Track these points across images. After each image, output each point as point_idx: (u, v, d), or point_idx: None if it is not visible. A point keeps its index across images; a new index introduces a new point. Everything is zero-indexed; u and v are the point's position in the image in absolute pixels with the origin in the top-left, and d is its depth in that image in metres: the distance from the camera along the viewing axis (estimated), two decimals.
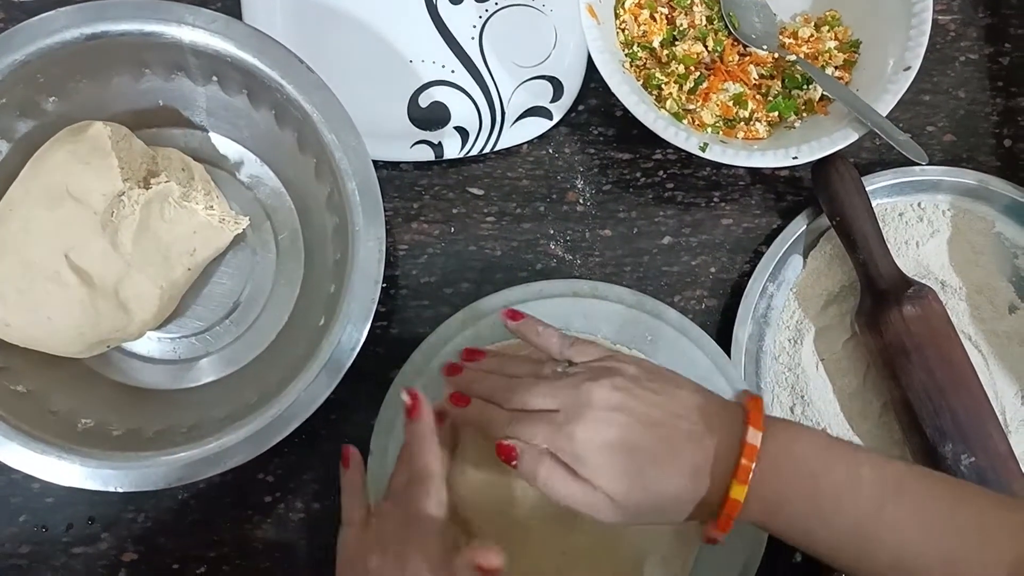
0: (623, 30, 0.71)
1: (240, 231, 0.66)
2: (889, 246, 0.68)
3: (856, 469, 0.49)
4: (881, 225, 0.69)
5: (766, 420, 0.50)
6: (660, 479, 0.49)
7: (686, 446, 0.50)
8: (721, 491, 0.49)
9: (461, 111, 0.72)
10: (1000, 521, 0.48)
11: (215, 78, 0.64)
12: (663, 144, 0.67)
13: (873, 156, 0.74)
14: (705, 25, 0.71)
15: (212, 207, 0.64)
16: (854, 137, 0.65)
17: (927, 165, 0.68)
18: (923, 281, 0.69)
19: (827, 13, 0.72)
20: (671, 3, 0.72)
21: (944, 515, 0.48)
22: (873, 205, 0.68)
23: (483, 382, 0.57)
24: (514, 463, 0.52)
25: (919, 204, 0.72)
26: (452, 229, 0.72)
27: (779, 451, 0.49)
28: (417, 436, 0.55)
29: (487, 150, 0.70)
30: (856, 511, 0.48)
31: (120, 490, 0.58)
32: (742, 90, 0.70)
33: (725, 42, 0.71)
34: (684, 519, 0.51)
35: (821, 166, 0.68)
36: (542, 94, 0.71)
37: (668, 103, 0.69)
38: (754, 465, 0.48)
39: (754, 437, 0.49)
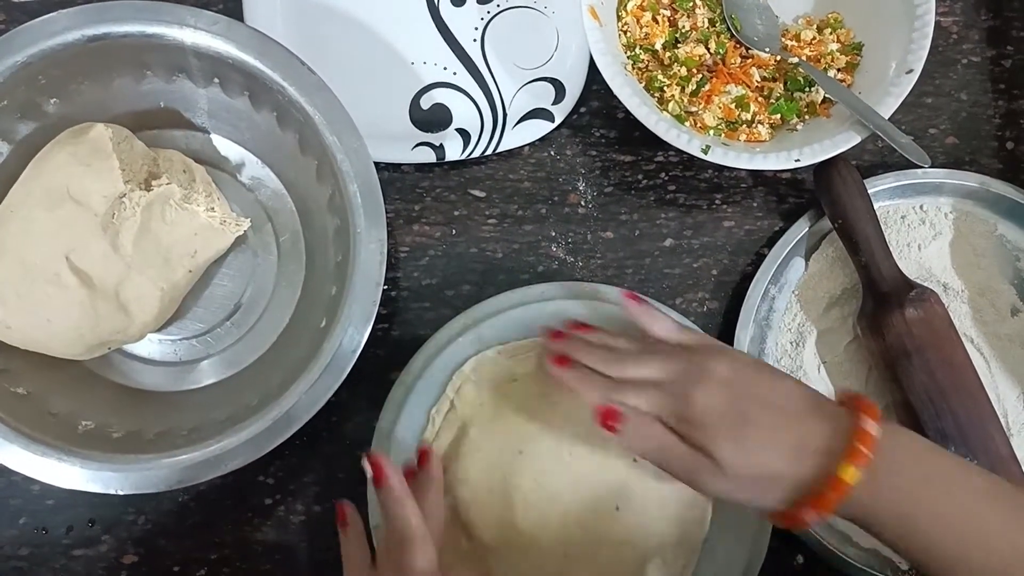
0: (625, 32, 0.71)
1: (241, 233, 0.66)
2: (891, 248, 0.68)
3: (966, 469, 0.50)
4: (883, 228, 0.69)
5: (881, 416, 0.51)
6: (767, 453, 0.51)
7: (794, 425, 0.51)
8: (825, 474, 0.49)
9: (463, 113, 0.71)
10: None
11: (217, 80, 0.64)
12: (665, 146, 0.66)
13: (875, 158, 0.74)
14: (707, 27, 0.71)
15: (213, 209, 0.64)
16: (856, 140, 0.65)
17: (929, 168, 0.68)
18: (925, 284, 0.69)
19: (829, 15, 0.72)
20: (673, 5, 0.71)
21: None
22: (875, 208, 0.68)
23: (590, 351, 0.58)
24: (617, 426, 0.54)
25: (921, 207, 0.72)
26: (453, 231, 0.72)
27: (895, 446, 0.50)
28: (390, 500, 0.55)
29: (489, 152, 0.70)
30: (969, 515, 0.49)
31: (120, 492, 0.58)
32: (744, 92, 0.70)
33: (727, 44, 0.71)
34: (775, 502, 0.51)
35: (823, 169, 0.68)
36: (544, 96, 0.71)
37: (670, 105, 0.69)
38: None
39: (872, 427, 0.49)
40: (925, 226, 0.71)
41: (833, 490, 0.49)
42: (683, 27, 0.71)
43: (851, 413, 0.51)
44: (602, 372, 0.57)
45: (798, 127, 0.70)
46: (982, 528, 0.48)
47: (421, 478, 0.60)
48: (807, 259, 0.71)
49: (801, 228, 0.71)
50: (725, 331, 0.71)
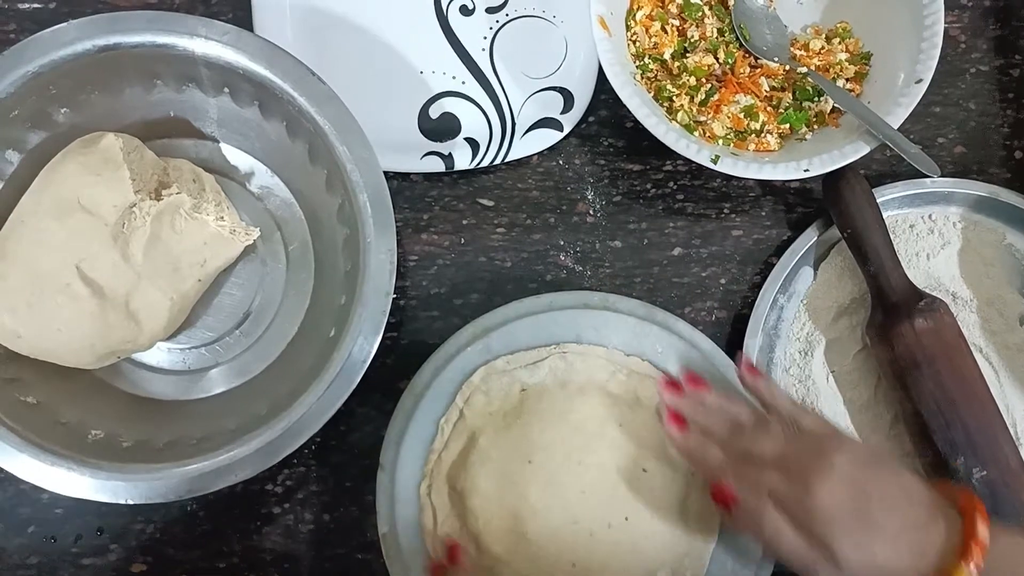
0: (634, 42, 0.71)
1: (250, 242, 0.66)
2: (900, 258, 0.68)
3: None
4: (892, 237, 0.69)
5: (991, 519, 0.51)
6: (888, 554, 0.50)
7: (915, 527, 0.51)
8: (937, 572, 0.50)
9: (471, 122, 0.72)
10: None
11: (227, 90, 0.64)
12: (673, 155, 0.67)
13: (884, 168, 0.74)
14: (716, 37, 0.71)
15: (223, 218, 0.64)
16: (865, 150, 0.65)
17: (938, 177, 0.68)
18: (934, 293, 0.69)
19: (838, 25, 0.72)
20: (682, 15, 0.71)
21: None
22: (884, 217, 0.68)
23: (707, 415, 0.59)
24: (732, 506, 0.54)
25: (930, 216, 0.72)
26: (462, 240, 0.72)
27: (1005, 547, 0.50)
28: None
29: (497, 161, 0.70)
30: None
31: (130, 502, 0.58)
32: (753, 102, 0.70)
33: (736, 54, 0.71)
34: None
35: (832, 179, 0.68)
36: (552, 105, 0.71)
37: (679, 115, 0.69)
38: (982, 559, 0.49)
39: (983, 531, 0.50)
40: (934, 235, 0.71)
41: None
42: (692, 37, 0.71)
43: (963, 514, 0.51)
44: (718, 438, 0.57)
45: (807, 137, 0.70)
46: None
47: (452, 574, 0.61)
48: (816, 268, 0.71)
49: (810, 237, 0.71)
50: (734, 340, 0.71)
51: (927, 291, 0.68)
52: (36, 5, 0.73)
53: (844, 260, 0.71)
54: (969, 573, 0.49)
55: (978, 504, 0.51)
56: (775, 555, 0.54)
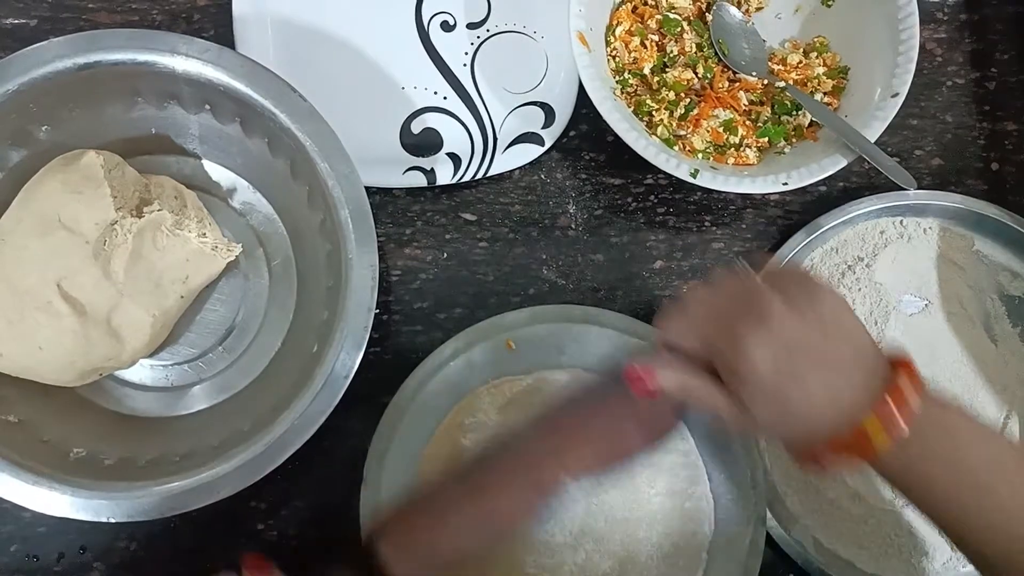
0: (614, 57, 0.72)
1: (233, 258, 0.66)
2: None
3: (990, 443, 0.50)
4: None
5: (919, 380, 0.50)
6: (805, 411, 0.50)
7: (840, 382, 0.50)
8: (858, 429, 0.49)
9: (453, 137, 0.72)
10: None
11: (208, 107, 0.64)
12: (654, 169, 0.67)
13: (862, 180, 0.75)
14: (695, 52, 0.72)
15: (205, 234, 0.64)
16: (843, 163, 0.66)
17: (915, 190, 0.68)
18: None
19: (816, 39, 0.73)
20: (661, 30, 0.72)
21: None
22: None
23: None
24: (651, 388, 0.52)
25: (900, 222, 0.72)
26: (445, 254, 0.72)
27: (930, 411, 0.49)
28: None
29: (479, 176, 0.71)
30: (986, 483, 0.48)
31: (112, 520, 0.57)
32: (732, 116, 0.70)
33: (715, 69, 0.71)
34: (801, 448, 0.51)
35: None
36: (534, 120, 0.72)
37: (659, 129, 0.69)
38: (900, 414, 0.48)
39: (907, 387, 0.49)
40: (903, 240, 0.72)
41: (856, 439, 0.48)
42: (671, 52, 0.72)
43: (895, 374, 0.50)
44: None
45: (786, 150, 0.70)
46: (1002, 495, 0.48)
47: None
48: None
49: (790, 249, 0.71)
50: None
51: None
52: (17, 21, 0.73)
53: (827, 271, 0.71)
54: (877, 428, 0.48)
55: (912, 367, 0.51)
56: (702, 410, 0.53)
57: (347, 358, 0.59)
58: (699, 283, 0.55)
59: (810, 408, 0.50)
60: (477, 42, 0.73)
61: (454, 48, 0.73)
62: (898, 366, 0.50)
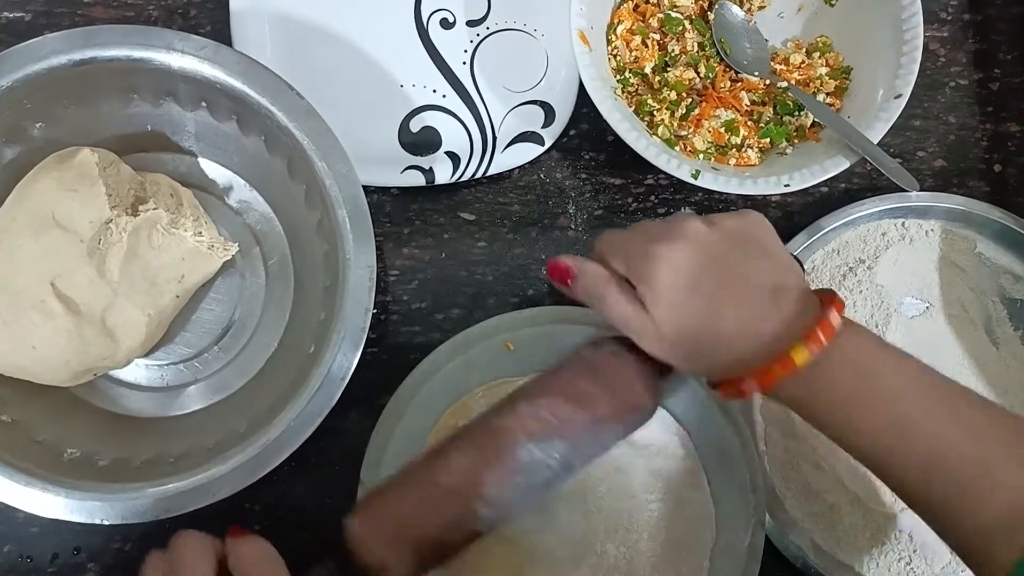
0: (615, 56, 0.71)
1: (229, 257, 0.65)
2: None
3: (907, 367, 0.49)
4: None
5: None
6: (712, 326, 0.49)
7: (751, 305, 0.49)
8: (771, 356, 0.48)
9: (452, 136, 0.71)
10: None
11: (204, 104, 0.63)
12: (654, 169, 0.67)
13: (864, 182, 0.74)
14: (697, 51, 0.71)
15: (201, 233, 0.64)
16: (845, 164, 0.65)
17: (917, 191, 0.68)
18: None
19: (818, 39, 0.73)
20: (663, 29, 0.72)
21: (985, 420, 0.48)
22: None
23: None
24: (569, 280, 0.53)
25: (902, 224, 0.72)
26: (443, 254, 0.72)
27: (849, 338, 0.49)
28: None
29: (478, 175, 0.70)
30: (900, 403, 0.48)
31: (106, 523, 0.57)
32: (734, 117, 0.70)
33: (717, 68, 0.71)
34: (708, 373, 0.51)
35: None
36: (533, 119, 0.71)
37: (660, 129, 0.69)
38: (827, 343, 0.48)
39: (835, 319, 0.49)
40: (905, 242, 0.72)
41: (781, 367, 0.48)
42: (673, 51, 0.71)
43: (820, 303, 0.50)
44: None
45: (787, 151, 0.70)
46: (909, 419, 0.48)
47: None
48: None
49: (791, 250, 0.70)
50: None
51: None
52: (12, 15, 0.72)
53: (829, 273, 0.71)
54: (806, 357, 0.47)
55: (838, 301, 0.50)
56: (609, 317, 0.52)
57: (344, 359, 0.58)
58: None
59: (718, 330, 0.49)
60: (477, 40, 0.73)
61: (453, 46, 0.73)
62: (828, 301, 0.50)
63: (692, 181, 0.65)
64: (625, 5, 0.72)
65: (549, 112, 0.71)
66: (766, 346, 0.49)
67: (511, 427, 0.51)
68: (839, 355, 0.48)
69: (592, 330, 0.66)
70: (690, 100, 0.70)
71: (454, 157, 0.70)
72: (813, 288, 0.53)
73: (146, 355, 0.66)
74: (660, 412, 0.66)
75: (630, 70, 0.71)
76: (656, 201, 0.74)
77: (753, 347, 0.49)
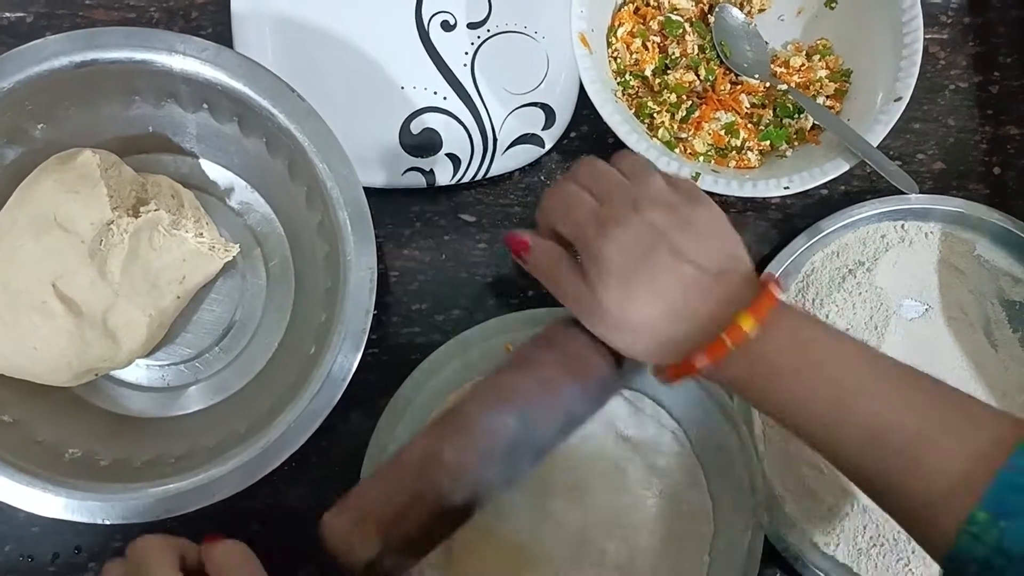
0: (615, 59, 0.71)
1: (230, 258, 0.65)
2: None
3: (846, 344, 0.50)
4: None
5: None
6: (650, 309, 0.50)
7: (696, 287, 0.50)
8: (717, 330, 0.49)
9: (453, 138, 0.71)
10: (981, 413, 0.48)
11: (206, 106, 0.63)
12: None
13: (864, 184, 0.74)
14: (697, 54, 0.71)
15: (202, 234, 0.64)
16: (845, 167, 0.66)
17: (917, 194, 0.68)
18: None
19: (818, 42, 0.73)
20: (663, 32, 0.72)
21: (926, 397, 0.48)
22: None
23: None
24: (524, 254, 0.55)
25: (902, 226, 0.72)
26: (443, 256, 0.72)
27: (786, 314, 0.50)
28: None
29: (479, 177, 0.70)
30: (840, 379, 0.48)
31: (107, 522, 0.57)
32: (734, 119, 0.70)
33: (717, 71, 0.71)
34: (658, 353, 0.52)
35: None
36: (534, 121, 0.71)
37: (660, 132, 0.69)
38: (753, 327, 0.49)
39: (776, 291, 0.50)
40: (904, 244, 0.72)
41: (730, 335, 0.49)
42: (673, 54, 0.71)
43: (758, 282, 0.51)
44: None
45: (787, 154, 0.70)
46: (849, 394, 0.48)
47: None
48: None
49: (791, 252, 0.71)
50: None
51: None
52: (13, 16, 0.72)
53: (828, 275, 0.71)
54: (752, 325, 0.48)
55: (776, 278, 0.52)
56: (557, 295, 0.53)
57: (345, 360, 0.59)
58: (588, 160, 0.56)
59: (662, 312, 0.50)
60: (478, 42, 0.73)
61: (454, 48, 0.73)
62: (766, 280, 0.51)
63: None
64: (626, 8, 0.72)
65: (550, 114, 0.71)
66: (711, 324, 0.50)
67: (465, 401, 0.53)
68: (780, 332, 0.49)
69: None
70: (690, 103, 0.70)
71: (455, 159, 0.71)
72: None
73: (147, 356, 0.66)
74: (656, 409, 0.67)
75: (630, 73, 0.71)
76: None
77: (696, 327, 0.50)
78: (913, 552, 0.67)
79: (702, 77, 0.71)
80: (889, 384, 0.48)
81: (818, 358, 0.49)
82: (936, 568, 0.67)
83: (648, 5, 0.72)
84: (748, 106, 0.71)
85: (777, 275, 0.52)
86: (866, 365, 0.49)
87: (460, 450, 0.51)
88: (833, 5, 0.73)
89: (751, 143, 0.70)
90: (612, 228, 0.51)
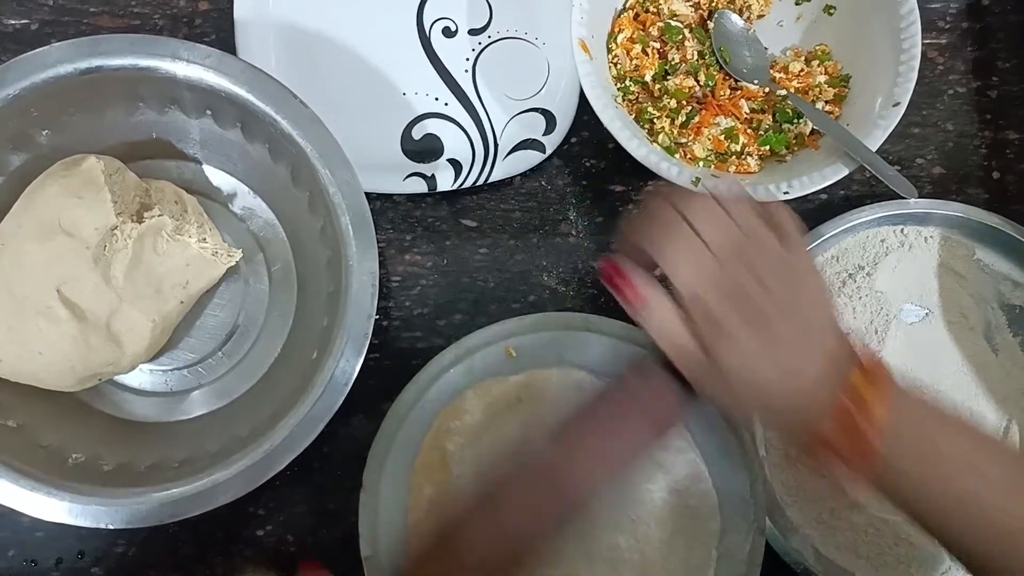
0: (615, 64, 0.72)
1: (233, 263, 0.66)
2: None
3: (975, 435, 0.50)
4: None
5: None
6: (784, 376, 0.49)
7: (819, 356, 0.50)
8: (834, 396, 0.48)
9: (454, 143, 0.72)
10: None
11: (209, 112, 0.64)
12: (655, 176, 0.67)
13: (863, 189, 0.75)
14: (697, 60, 0.72)
15: (205, 239, 0.64)
16: (844, 172, 0.66)
17: (916, 199, 0.68)
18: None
19: (817, 47, 0.73)
20: (663, 38, 0.72)
21: None
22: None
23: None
24: (638, 306, 0.52)
25: (901, 231, 0.72)
26: (445, 261, 0.72)
27: (907, 407, 0.49)
28: None
29: (480, 182, 0.71)
30: (967, 477, 0.48)
31: (110, 527, 0.57)
32: (733, 124, 0.70)
33: (716, 76, 0.71)
34: (790, 424, 0.51)
35: None
36: (535, 127, 0.72)
37: (660, 137, 0.69)
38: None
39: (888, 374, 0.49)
40: (904, 248, 0.72)
41: (855, 404, 0.48)
42: (673, 59, 0.72)
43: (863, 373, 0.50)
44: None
45: (787, 159, 0.70)
46: (982, 496, 0.48)
47: None
48: None
49: None
50: None
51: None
52: (18, 23, 0.73)
53: (828, 280, 0.71)
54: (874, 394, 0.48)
55: (879, 364, 0.51)
56: (669, 354, 0.52)
57: (347, 365, 0.59)
58: (702, 199, 0.52)
59: (789, 380, 0.49)
60: (479, 48, 0.73)
61: (455, 54, 0.73)
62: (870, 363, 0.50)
63: (692, 188, 0.65)
64: (625, 14, 0.73)
65: (550, 120, 0.72)
66: (825, 390, 0.49)
67: (571, 479, 0.53)
68: (902, 425, 0.48)
69: (596, 338, 0.66)
70: (690, 108, 0.71)
71: (456, 164, 0.71)
72: None
73: (150, 360, 0.66)
74: None
75: (630, 78, 0.71)
76: None
77: (814, 395, 0.49)
78: (914, 557, 0.67)
79: (702, 82, 0.71)
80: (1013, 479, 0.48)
81: (931, 451, 0.48)
82: (938, 573, 0.67)
83: (648, 11, 0.73)
84: (748, 111, 0.71)
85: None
86: (990, 457, 0.49)
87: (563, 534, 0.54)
88: (832, 11, 0.73)
89: (751, 148, 0.70)
90: (738, 302, 0.50)
